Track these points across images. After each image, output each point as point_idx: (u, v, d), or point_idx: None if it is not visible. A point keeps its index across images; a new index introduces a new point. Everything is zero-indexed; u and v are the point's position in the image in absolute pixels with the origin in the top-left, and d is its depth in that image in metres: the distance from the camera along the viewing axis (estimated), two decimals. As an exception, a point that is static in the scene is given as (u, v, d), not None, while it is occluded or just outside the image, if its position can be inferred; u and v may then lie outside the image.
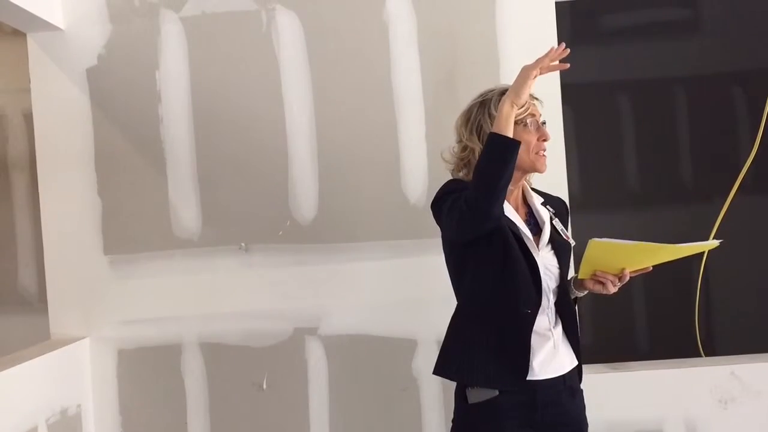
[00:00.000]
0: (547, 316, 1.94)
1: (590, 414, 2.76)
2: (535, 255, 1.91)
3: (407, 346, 2.82)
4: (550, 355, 1.93)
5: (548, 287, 1.94)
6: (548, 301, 1.95)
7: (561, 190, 2.80)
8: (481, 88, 2.06)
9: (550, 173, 2.75)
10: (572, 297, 2.05)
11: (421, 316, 2.79)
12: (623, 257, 1.88)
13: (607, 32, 3.89)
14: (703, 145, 3.86)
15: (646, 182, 3.87)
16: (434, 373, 2.01)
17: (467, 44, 2.84)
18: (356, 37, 2.86)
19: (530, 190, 2.05)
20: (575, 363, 2.00)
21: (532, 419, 1.91)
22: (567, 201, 2.78)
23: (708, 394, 2.78)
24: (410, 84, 2.84)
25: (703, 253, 3.09)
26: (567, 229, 2.06)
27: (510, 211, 1.94)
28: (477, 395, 1.91)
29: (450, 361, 1.98)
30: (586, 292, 2.01)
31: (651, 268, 1.93)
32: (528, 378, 1.90)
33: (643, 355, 3.57)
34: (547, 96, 2.77)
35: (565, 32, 3.49)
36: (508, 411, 1.90)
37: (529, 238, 1.92)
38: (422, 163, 2.83)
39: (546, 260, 1.94)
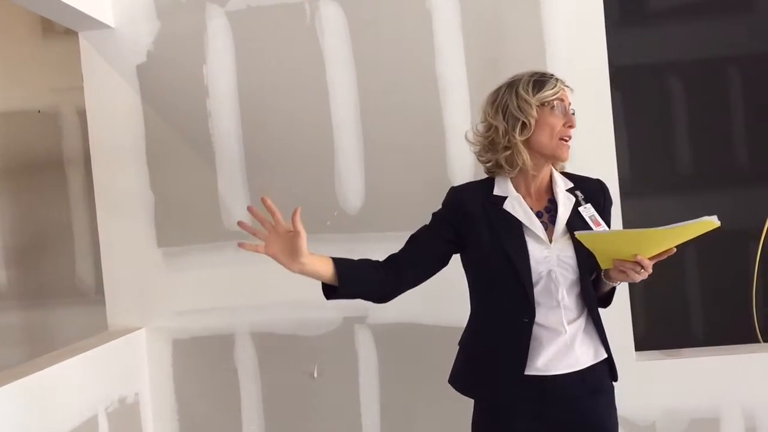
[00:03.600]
0: (561, 310, 1.86)
1: (645, 401, 2.74)
2: (540, 249, 1.86)
3: (456, 335, 2.79)
4: (563, 350, 1.86)
5: (558, 278, 1.86)
6: (562, 295, 1.86)
7: (610, 174, 2.75)
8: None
9: (599, 158, 2.74)
10: (607, 288, 1.94)
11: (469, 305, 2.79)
12: (620, 245, 1.77)
13: (656, 13, 3.80)
14: (758, 126, 3.75)
15: (700, 165, 3.77)
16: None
17: (511, 29, 2.81)
18: (400, 25, 2.86)
19: (558, 175, 1.97)
20: (600, 358, 1.92)
21: (542, 415, 1.87)
22: (616, 186, 2.74)
23: (767, 380, 2.71)
24: (455, 71, 2.83)
25: (760, 236, 3.01)
26: (606, 212, 1.96)
27: (519, 208, 1.89)
28: None
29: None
30: (618, 282, 1.91)
31: (675, 250, 1.76)
32: (532, 374, 1.87)
33: (700, 342, 3.49)
34: (595, 79, 2.75)
35: (613, 13, 3.43)
36: (517, 405, 1.88)
37: (536, 235, 1.87)
38: (468, 151, 2.79)
39: (561, 251, 1.87)
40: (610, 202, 2.01)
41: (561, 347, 1.87)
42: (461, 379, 2.03)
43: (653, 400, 2.74)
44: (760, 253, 3.13)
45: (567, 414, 1.88)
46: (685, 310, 3.75)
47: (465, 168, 2.82)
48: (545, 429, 1.88)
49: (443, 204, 1.99)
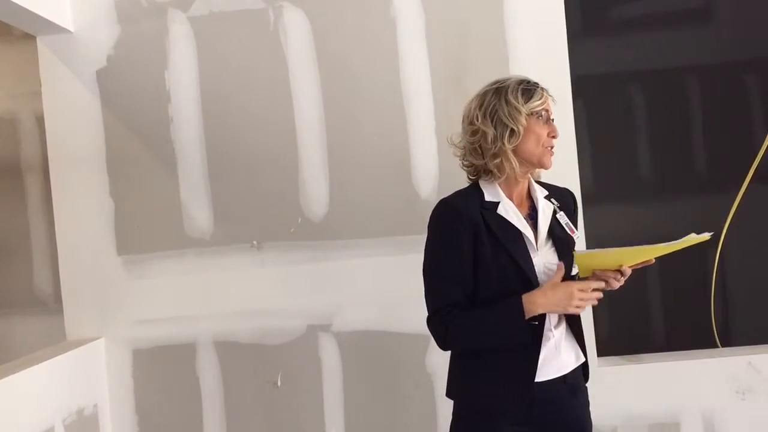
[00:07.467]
0: (548, 315, 1.87)
1: (606, 406, 2.76)
2: (533, 254, 1.87)
3: (420, 342, 2.82)
4: (552, 355, 1.89)
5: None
6: None
7: (572, 182, 2.78)
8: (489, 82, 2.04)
9: (561, 166, 2.76)
10: None
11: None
12: (613, 260, 1.83)
13: (617, 22, 3.85)
14: (717, 135, 3.82)
15: (660, 173, 3.83)
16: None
17: (475, 38, 2.83)
18: (364, 33, 2.86)
19: (535, 183, 2.00)
20: (580, 361, 1.96)
21: (529, 418, 1.88)
22: (578, 194, 2.78)
23: (725, 384, 2.76)
24: (419, 79, 2.84)
25: (718, 243, 3.07)
26: (575, 222, 2.00)
27: (512, 213, 1.89)
28: None
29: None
30: None
31: (654, 260, 1.86)
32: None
33: (660, 347, 3.54)
34: (556, 88, 2.76)
35: (575, 23, 3.46)
36: (505, 410, 1.88)
37: (529, 240, 1.88)
38: (432, 158, 2.83)
39: (546, 258, 1.89)
40: (576, 211, 2.07)
41: (549, 352, 1.89)
42: (470, 391, 1.94)
43: (614, 405, 2.77)
44: (718, 259, 3.19)
45: (552, 416, 1.90)
46: (646, 316, 3.79)
47: (430, 175, 2.83)
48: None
49: (444, 221, 1.89)
